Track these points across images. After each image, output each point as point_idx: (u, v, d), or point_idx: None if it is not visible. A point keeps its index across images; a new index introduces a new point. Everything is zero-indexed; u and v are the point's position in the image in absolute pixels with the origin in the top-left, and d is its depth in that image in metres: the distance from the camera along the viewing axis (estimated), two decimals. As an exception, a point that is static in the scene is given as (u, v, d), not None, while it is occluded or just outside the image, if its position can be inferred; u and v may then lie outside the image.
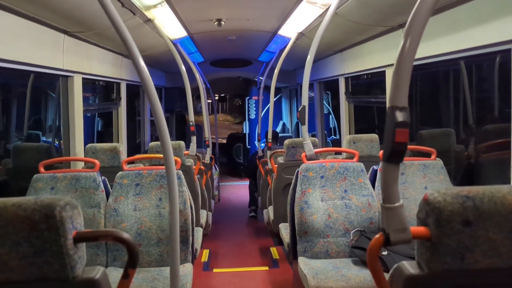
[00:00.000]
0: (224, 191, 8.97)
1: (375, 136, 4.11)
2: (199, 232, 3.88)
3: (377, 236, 1.26)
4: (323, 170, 3.22)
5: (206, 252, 5.04)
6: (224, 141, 11.74)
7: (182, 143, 4.37)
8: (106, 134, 7.26)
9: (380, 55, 4.20)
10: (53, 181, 3.07)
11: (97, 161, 3.21)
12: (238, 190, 9.15)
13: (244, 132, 11.47)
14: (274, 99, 6.56)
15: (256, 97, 10.94)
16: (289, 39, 5.19)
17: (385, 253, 2.69)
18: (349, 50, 5.11)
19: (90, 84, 5.77)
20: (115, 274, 2.80)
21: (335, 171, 3.22)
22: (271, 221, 4.72)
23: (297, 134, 9.62)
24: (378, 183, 3.23)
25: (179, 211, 2.04)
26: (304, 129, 3.70)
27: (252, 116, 11.19)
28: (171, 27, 4.62)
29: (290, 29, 4.88)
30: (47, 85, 6.33)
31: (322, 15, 3.85)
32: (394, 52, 4.05)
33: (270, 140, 5.68)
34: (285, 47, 5.22)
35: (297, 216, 3.13)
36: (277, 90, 10.65)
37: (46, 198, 1.15)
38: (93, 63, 4.23)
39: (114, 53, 4.87)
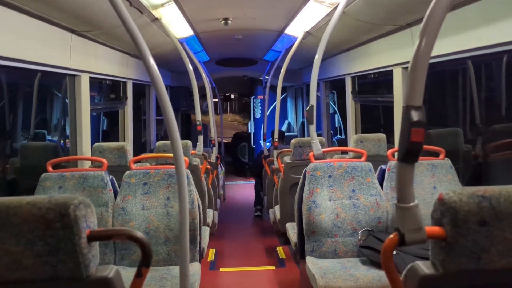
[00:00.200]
0: (229, 190, 8.97)
1: (382, 135, 4.10)
2: (206, 231, 3.88)
3: (391, 236, 1.26)
4: (331, 170, 3.21)
5: (212, 251, 5.04)
6: (229, 140, 11.74)
7: (189, 142, 4.37)
8: (112, 133, 7.27)
9: (387, 54, 4.19)
10: (61, 180, 3.08)
11: (105, 160, 3.21)
12: (243, 189, 9.16)
13: (249, 131, 11.47)
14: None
15: (261, 96, 10.93)
16: (295, 38, 5.18)
17: (393, 252, 2.68)
18: (356, 49, 5.10)
19: (95, 83, 5.77)
20: (123, 273, 2.79)
21: (343, 171, 3.21)
22: (278, 220, 4.71)
23: (302, 133, 9.61)
24: (386, 182, 3.22)
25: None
26: (312, 128, 3.68)
27: (257, 115, 11.18)
28: (177, 26, 4.61)
29: (297, 28, 4.87)
30: (52, 84, 6.35)
31: (329, 14, 3.84)
32: (402, 52, 4.02)
33: (276, 140, 5.67)
34: (291, 46, 5.21)
35: (305, 215, 3.13)
36: (283, 89, 10.64)
37: (60, 196, 1.15)
38: (100, 62, 4.23)
39: (121, 52, 4.88)
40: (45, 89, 6.26)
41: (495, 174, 3.45)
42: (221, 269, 4.52)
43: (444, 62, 3.30)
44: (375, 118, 6.66)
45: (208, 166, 5.32)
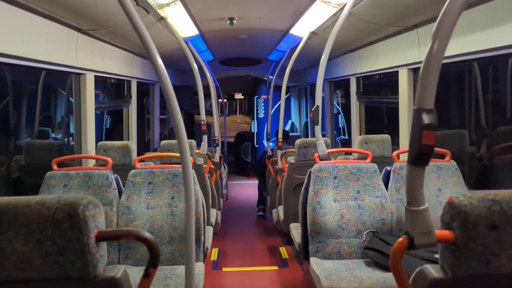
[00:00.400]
0: (231, 190, 8.97)
1: (387, 136, 4.08)
2: (209, 231, 3.87)
3: (400, 239, 1.25)
4: (336, 171, 3.20)
5: (215, 251, 5.04)
6: (232, 140, 11.74)
7: (194, 142, 4.37)
8: (115, 132, 7.28)
9: (393, 56, 4.18)
10: (66, 178, 3.08)
11: (109, 159, 3.21)
12: (245, 189, 9.15)
13: (252, 131, 11.45)
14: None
15: (265, 96, 10.92)
16: (300, 38, 5.16)
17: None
18: (362, 50, 5.08)
19: (100, 82, 5.78)
20: (128, 272, 2.80)
21: (348, 172, 3.20)
22: (281, 220, 4.70)
23: (306, 133, 9.60)
24: (391, 184, 3.21)
25: None
26: (317, 129, 3.68)
27: (261, 115, 11.18)
28: (183, 26, 4.61)
29: (302, 29, 4.86)
30: (56, 82, 6.36)
31: (335, 15, 3.83)
32: (408, 53, 4.01)
33: (280, 140, 5.66)
34: (295, 46, 5.20)
35: (309, 216, 3.12)
36: (286, 89, 10.63)
37: (69, 196, 1.15)
38: (105, 61, 4.24)
39: (126, 51, 4.88)
40: (49, 87, 6.27)
41: (501, 176, 3.44)
42: (224, 269, 4.52)
43: (450, 64, 3.29)
44: (379, 119, 6.65)
45: (212, 166, 5.32)
